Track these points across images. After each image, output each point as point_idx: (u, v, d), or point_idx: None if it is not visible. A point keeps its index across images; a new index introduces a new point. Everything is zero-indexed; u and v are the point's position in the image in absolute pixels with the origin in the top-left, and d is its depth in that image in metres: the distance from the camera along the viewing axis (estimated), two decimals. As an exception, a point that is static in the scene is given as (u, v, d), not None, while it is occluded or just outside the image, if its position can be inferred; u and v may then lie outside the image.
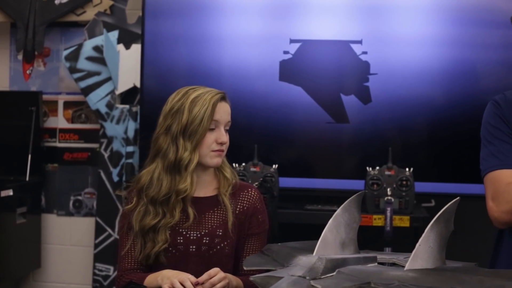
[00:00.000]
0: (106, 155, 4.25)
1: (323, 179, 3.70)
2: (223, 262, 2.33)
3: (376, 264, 1.93)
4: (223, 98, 2.35)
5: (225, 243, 2.34)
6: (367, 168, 3.44)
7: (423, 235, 1.82)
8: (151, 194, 2.31)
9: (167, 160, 2.31)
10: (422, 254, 1.83)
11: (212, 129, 2.31)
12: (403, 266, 1.84)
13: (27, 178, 4.16)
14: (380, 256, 2.01)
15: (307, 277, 1.69)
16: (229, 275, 2.22)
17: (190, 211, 2.31)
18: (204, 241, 2.32)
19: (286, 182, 3.59)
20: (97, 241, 4.24)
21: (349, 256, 1.87)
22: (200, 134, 2.28)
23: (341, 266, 1.78)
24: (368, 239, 2.71)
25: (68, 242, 4.39)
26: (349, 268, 1.78)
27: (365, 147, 3.67)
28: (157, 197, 2.30)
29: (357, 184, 3.49)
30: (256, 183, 3.38)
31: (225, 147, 2.35)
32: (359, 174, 3.54)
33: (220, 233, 2.34)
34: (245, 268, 1.99)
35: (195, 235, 2.32)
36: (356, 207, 2.04)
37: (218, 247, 2.33)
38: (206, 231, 2.33)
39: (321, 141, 3.69)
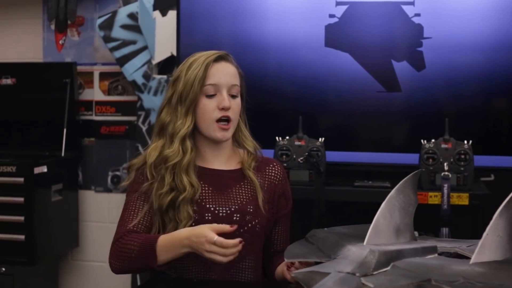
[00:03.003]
0: (144, 128, 4.11)
1: (373, 152, 3.48)
2: (253, 242, 2.17)
3: (436, 255, 1.71)
4: (221, 58, 2.16)
5: (257, 220, 2.16)
6: (422, 140, 3.19)
7: (491, 223, 1.61)
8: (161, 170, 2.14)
9: (168, 132, 2.15)
10: (490, 244, 1.61)
11: (212, 95, 2.13)
12: (468, 257, 1.64)
13: (63, 154, 4.06)
14: (441, 245, 1.80)
15: (357, 274, 1.48)
16: None
17: (193, 180, 2.11)
18: (234, 218, 2.13)
19: (333, 156, 3.39)
20: (136, 218, 4.07)
21: (405, 247, 1.65)
22: (190, 99, 2.11)
23: (396, 259, 1.59)
24: (423, 219, 2.50)
25: (107, 219, 4.28)
26: (405, 262, 1.58)
27: (419, 117, 3.43)
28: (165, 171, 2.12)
29: (411, 158, 3.29)
30: (301, 158, 3.19)
31: (232, 115, 2.14)
32: (413, 147, 3.31)
33: (251, 210, 2.16)
34: (286, 260, 1.77)
35: (224, 211, 2.13)
36: (412, 188, 1.87)
37: (250, 224, 2.15)
38: (236, 207, 2.14)
39: (371, 112, 3.46)
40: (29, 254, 3.74)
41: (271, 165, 2.28)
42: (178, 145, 2.11)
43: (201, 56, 2.14)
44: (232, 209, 2.13)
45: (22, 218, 3.71)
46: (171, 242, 1.96)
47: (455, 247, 1.81)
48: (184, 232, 1.95)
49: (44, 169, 3.83)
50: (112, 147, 4.26)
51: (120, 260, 2.02)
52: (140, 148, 4.08)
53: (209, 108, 2.11)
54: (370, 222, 1.78)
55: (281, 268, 2.08)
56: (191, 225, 2.06)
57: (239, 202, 2.15)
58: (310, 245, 1.82)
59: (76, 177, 4.25)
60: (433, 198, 3.09)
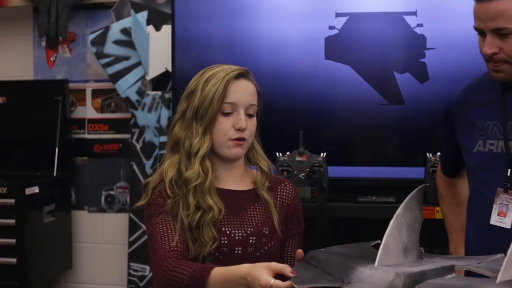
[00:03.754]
0: (138, 146, 4.03)
1: (376, 167, 3.44)
2: None
3: (454, 274, 1.62)
4: (242, 75, 2.05)
5: (273, 242, 2.06)
6: (427, 154, 3.15)
7: (516, 239, 1.51)
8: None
9: (184, 149, 2.05)
10: (517, 262, 1.51)
11: (229, 113, 2.02)
12: (482, 275, 1.61)
13: (55, 173, 4.01)
14: (450, 263, 1.71)
15: (384, 299, 1.39)
16: None
17: (217, 200, 2.01)
18: (250, 241, 2.03)
19: (336, 171, 3.33)
20: (131, 239, 4.01)
21: (427, 268, 1.58)
22: (209, 117, 2.01)
23: (420, 282, 1.50)
24: (430, 234, 2.44)
25: (101, 240, 4.21)
26: (430, 284, 1.50)
27: (423, 130, 3.38)
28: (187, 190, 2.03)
29: (416, 172, 3.24)
30: (303, 174, 3.13)
31: (247, 135, 2.05)
32: (418, 160, 3.28)
33: (267, 232, 2.06)
34: (296, 287, 1.65)
35: (240, 234, 2.03)
36: (417, 205, 1.77)
37: (266, 247, 2.04)
38: (252, 229, 2.04)
39: (374, 125, 3.43)
40: (21, 277, 3.68)
41: (283, 184, 2.19)
42: (198, 166, 2.02)
43: (220, 71, 2.04)
44: (248, 231, 2.04)
45: (13, 240, 3.67)
46: (227, 277, 1.82)
47: (467, 264, 1.74)
48: (242, 270, 1.80)
49: (36, 189, 3.78)
50: (105, 166, 4.18)
51: None
52: (135, 166, 3.99)
53: (225, 127, 2.02)
54: (375, 238, 1.72)
55: None
56: (214, 248, 1.97)
57: (254, 224, 2.06)
58: (313, 268, 1.71)
59: (68, 197, 4.19)
60: (440, 213, 3.00)
